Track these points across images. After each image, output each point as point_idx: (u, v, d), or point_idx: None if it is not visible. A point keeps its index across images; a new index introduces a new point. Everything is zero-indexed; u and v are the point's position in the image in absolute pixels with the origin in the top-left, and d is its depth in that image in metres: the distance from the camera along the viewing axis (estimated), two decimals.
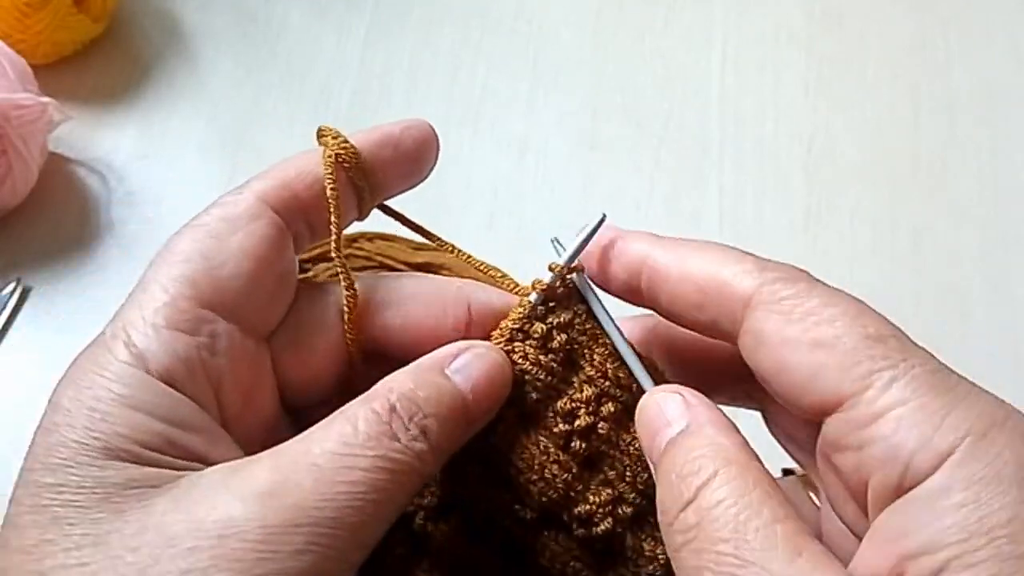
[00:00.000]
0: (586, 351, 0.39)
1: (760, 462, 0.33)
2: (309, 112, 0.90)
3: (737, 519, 0.30)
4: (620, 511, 0.38)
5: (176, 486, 0.32)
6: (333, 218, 0.38)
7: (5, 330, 0.78)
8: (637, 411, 0.38)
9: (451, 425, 0.36)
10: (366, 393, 0.35)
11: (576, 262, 0.40)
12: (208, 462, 0.34)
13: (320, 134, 0.39)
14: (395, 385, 0.35)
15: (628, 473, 0.38)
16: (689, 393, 0.36)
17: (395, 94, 0.92)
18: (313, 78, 0.92)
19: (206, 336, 0.35)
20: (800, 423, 0.37)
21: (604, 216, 0.40)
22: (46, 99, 0.78)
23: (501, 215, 0.86)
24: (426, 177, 0.42)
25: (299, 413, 0.40)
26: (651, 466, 0.36)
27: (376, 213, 0.43)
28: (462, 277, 0.43)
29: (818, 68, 0.94)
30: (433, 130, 0.41)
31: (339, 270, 0.39)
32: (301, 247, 0.40)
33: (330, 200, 0.38)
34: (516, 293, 0.41)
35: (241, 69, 0.92)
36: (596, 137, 0.90)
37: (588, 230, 0.40)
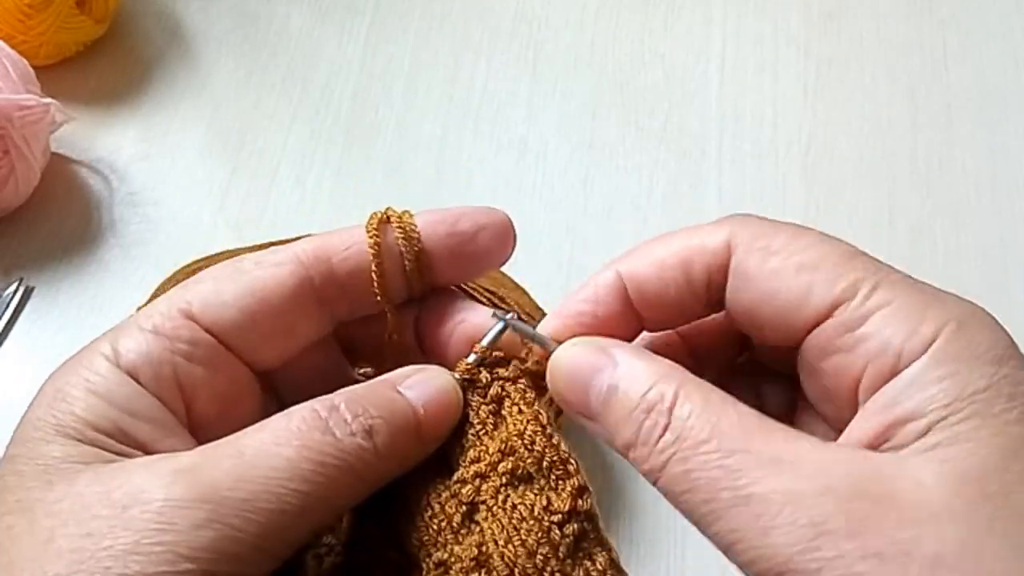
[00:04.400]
0: (514, 408, 0.38)
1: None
2: (310, 113, 0.90)
3: (710, 421, 0.33)
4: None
5: (104, 465, 0.34)
6: (375, 274, 0.39)
7: (7, 330, 0.78)
8: (550, 369, 0.38)
9: (401, 434, 0.36)
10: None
11: (508, 317, 0.39)
12: (152, 453, 0.35)
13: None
14: (345, 391, 0.36)
15: (502, 539, 0.35)
16: (599, 339, 0.38)
17: (395, 95, 0.92)
18: (314, 79, 0.92)
19: (185, 343, 0.37)
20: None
21: (510, 317, 0.40)
22: (48, 100, 0.78)
23: None
24: (498, 265, 0.41)
25: None
26: (584, 422, 0.37)
27: None
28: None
29: (816, 69, 0.94)
30: (507, 221, 0.40)
31: (389, 330, 0.41)
32: (339, 313, 0.40)
33: (370, 251, 0.39)
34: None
35: (242, 70, 0.93)
36: (596, 137, 0.90)
37: (496, 330, 0.40)
